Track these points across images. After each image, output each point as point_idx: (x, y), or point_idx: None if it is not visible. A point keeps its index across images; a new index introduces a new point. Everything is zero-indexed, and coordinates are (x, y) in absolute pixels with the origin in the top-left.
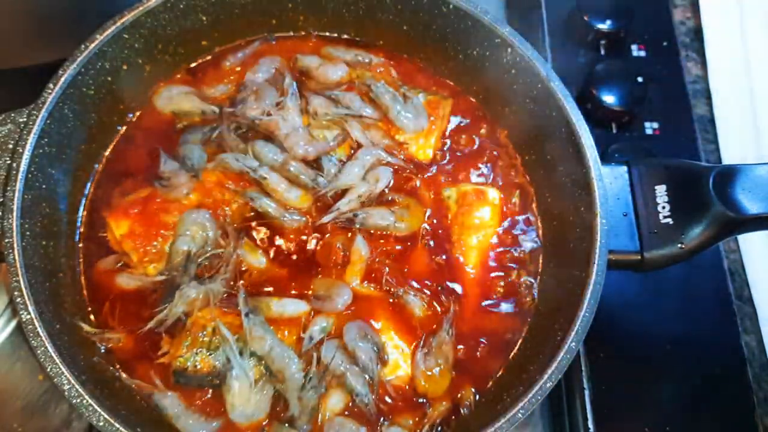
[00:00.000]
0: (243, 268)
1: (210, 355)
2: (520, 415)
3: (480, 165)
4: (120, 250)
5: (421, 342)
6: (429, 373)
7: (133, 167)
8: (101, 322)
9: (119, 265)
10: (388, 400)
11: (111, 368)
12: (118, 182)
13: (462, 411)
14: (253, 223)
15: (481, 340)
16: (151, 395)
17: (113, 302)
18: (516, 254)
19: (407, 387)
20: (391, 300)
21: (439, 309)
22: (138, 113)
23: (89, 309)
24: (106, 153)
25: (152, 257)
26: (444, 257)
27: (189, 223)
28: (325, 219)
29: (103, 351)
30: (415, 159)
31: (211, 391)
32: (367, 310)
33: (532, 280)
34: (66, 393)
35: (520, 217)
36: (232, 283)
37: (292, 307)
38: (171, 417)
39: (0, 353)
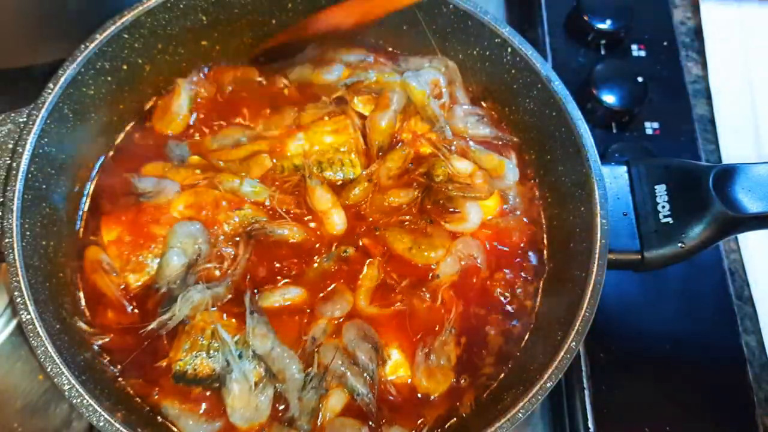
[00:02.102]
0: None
1: (209, 358)
2: (520, 415)
3: None
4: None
5: (423, 342)
6: (430, 372)
7: (133, 167)
8: (99, 323)
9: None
10: (390, 399)
11: (111, 368)
12: (117, 182)
13: (462, 411)
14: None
15: (482, 339)
16: (150, 396)
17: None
18: (516, 254)
19: (408, 386)
20: (394, 306)
21: (439, 308)
22: (137, 113)
23: (88, 309)
24: (106, 153)
25: (134, 267)
26: None
27: (181, 235)
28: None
29: (102, 351)
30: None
31: (211, 392)
32: (368, 314)
33: (533, 280)
34: (66, 393)
35: (520, 217)
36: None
37: (294, 291)
38: (171, 417)
39: (0, 353)
